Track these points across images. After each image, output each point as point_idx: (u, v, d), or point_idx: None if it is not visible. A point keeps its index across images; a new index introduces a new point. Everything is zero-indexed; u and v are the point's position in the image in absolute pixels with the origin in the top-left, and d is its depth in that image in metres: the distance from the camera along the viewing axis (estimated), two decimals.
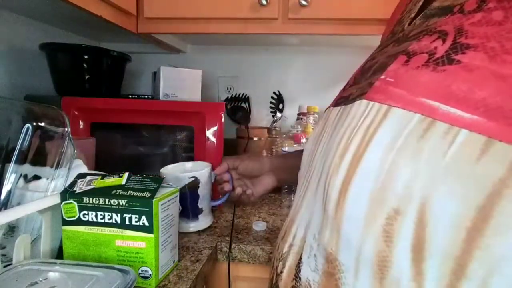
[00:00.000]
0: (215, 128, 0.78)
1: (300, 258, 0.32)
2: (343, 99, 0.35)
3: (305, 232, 0.33)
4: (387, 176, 0.23)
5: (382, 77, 0.28)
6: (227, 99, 1.20)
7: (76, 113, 0.74)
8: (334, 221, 0.28)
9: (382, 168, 0.24)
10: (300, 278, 0.32)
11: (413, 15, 0.32)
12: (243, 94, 1.22)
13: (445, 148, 0.21)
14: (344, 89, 0.38)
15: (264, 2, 0.84)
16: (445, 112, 0.22)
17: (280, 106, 1.21)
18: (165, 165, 0.68)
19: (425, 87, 0.24)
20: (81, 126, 0.76)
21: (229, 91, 1.26)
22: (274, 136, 1.06)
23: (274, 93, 1.20)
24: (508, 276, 0.19)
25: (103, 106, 0.81)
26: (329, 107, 0.39)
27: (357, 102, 0.30)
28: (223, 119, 0.78)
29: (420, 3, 0.32)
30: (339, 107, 0.34)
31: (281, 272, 0.35)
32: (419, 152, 0.22)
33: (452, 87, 0.22)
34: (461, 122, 0.21)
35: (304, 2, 0.84)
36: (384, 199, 0.24)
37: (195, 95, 1.05)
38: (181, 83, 1.01)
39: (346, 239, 0.27)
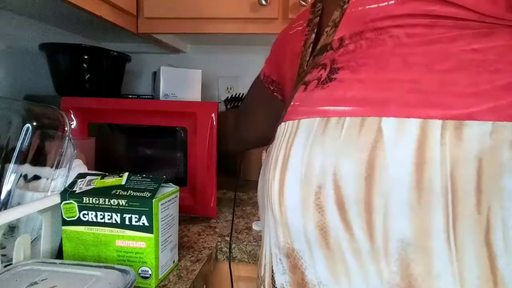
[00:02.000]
0: (207, 127, 0.73)
1: (272, 271, 0.38)
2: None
3: (270, 247, 0.39)
4: (308, 165, 0.33)
5: (292, 103, 0.39)
6: (227, 99, 1.20)
7: (76, 113, 0.74)
8: (281, 219, 0.35)
9: (303, 162, 0.33)
10: (276, 287, 0.38)
11: (307, 58, 0.44)
12: (243, 94, 1.22)
13: (338, 133, 0.31)
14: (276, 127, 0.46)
15: (264, 2, 0.84)
16: (334, 110, 0.32)
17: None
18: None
19: (318, 100, 0.35)
20: (80, 127, 0.76)
21: (229, 91, 1.26)
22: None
23: None
24: (398, 198, 0.28)
25: (102, 106, 0.81)
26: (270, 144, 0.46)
27: (278, 128, 0.40)
28: (215, 121, 0.72)
29: (310, 49, 0.44)
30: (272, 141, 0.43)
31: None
32: (323, 141, 0.32)
33: (334, 95, 0.33)
34: (344, 113, 0.32)
35: (304, 2, 0.84)
36: (309, 182, 0.32)
37: (195, 95, 1.06)
38: (181, 83, 1.02)
39: (294, 227, 0.34)
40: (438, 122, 0.28)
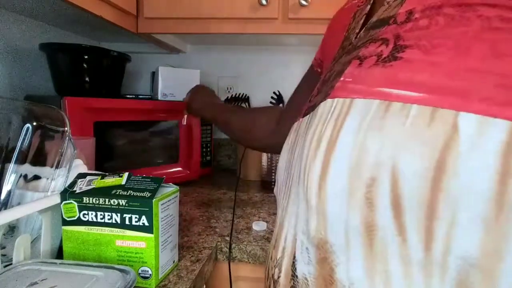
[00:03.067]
0: (192, 119, 1.01)
1: (294, 257, 0.35)
2: (310, 109, 0.38)
3: (295, 231, 0.35)
4: (360, 152, 0.28)
5: (341, 79, 0.34)
6: (227, 99, 1.20)
7: (81, 113, 0.74)
8: (318, 206, 0.31)
9: (354, 147, 0.29)
10: (296, 276, 0.34)
11: (357, 30, 0.38)
12: (243, 94, 1.22)
13: (402, 121, 0.27)
14: (309, 100, 0.41)
15: (264, 2, 0.84)
16: (398, 94, 0.28)
17: (280, 106, 1.21)
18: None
19: (379, 80, 0.30)
20: (85, 126, 0.76)
21: (229, 91, 1.26)
22: None
23: (274, 93, 1.20)
24: (471, 210, 0.24)
25: (105, 106, 0.82)
26: (298, 119, 0.41)
27: (322, 104, 0.35)
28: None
29: (362, 21, 0.38)
30: (307, 116, 0.38)
31: (278, 277, 0.37)
32: (382, 128, 0.28)
33: (399, 76, 0.29)
34: (411, 100, 0.27)
35: (304, 2, 0.84)
36: (360, 172, 0.28)
37: None
38: (179, 83, 1.02)
39: (333, 217, 0.30)
40: None
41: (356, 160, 0.28)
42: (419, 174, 0.25)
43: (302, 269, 0.34)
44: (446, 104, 0.26)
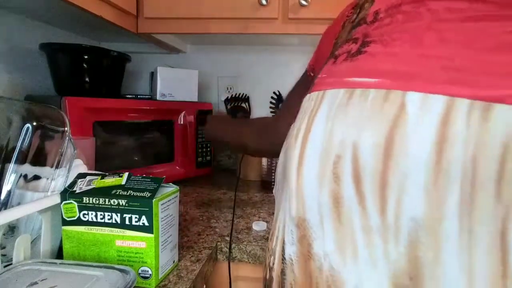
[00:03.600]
0: (187, 119, 1.02)
1: (284, 242, 0.38)
2: None
3: (284, 220, 0.38)
4: (329, 136, 0.32)
5: (319, 75, 0.39)
6: (227, 99, 1.20)
7: (80, 112, 0.74)
8: (297, 189, 0.35)
9: (325, 132, 0.33)
10: (285, 258, 0.37)
11: (344, 36, 0.43)
12: (243, 94, 1.22)
13: (362, 105, 0.31)
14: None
15: (264, 2, 0.84)
16: (360, 81, 0.32)
17: (280, 106, 1.21)
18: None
19: (346, 71, 0.34)
20: (85, 126, 0.76)
21: (229, 91, 1.26)
22: None
23: (274, 93, 1.19)
24: (415, 177, 0.27)
25: (105, 106, 0.82)
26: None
27: (304, 99, 0.39)
28: (193, 116, 1.02)
29: (349, 28, 0.42)
30: None
31: (273, 263, 0.40)
32: (346, 113, 0.32)
33: (363, 67, 0.33)
34: (369, 85, 0.31)
35: (304, 2, 0.84)
36: (329, 152, 0.32)
37: (192, 95, 1.06)
38: (178, 83, 1.02)
39: (309, 196, 0.34)
40: (466, 101, 0.26)
41: (326, 143, 0.32)
42: (373, 148, 0.29)
43: (288, 250, 0.37)
44: (397, 86, 0.29)
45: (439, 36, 0.30)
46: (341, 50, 0.38)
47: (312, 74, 0.62)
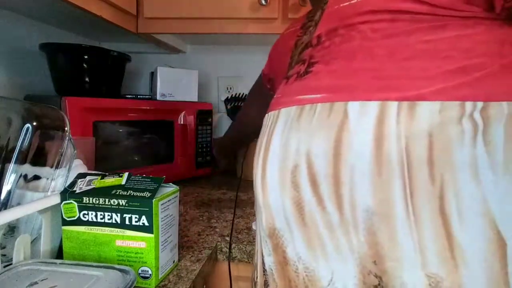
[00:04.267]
0: (187, 119, 1.03)
1: (262, 255, 0.41)
2: None
3: (260, 234, 0.41)
4: (285, 148, 0.36)
5: (276, 95, 0.43)
6: (227, 99, 1.20)
7: (80, 112, 0.74)
8: (263, 200, 0.39)
9: (281, 146, 0.37)
10: (265, 270, 0.40)
11: (296, 57, 0.46)
12: (243, 94, 1.22)
13: (311, 118, 0.35)
14: None
15: (264, 2, 0.84)
16: (308, 98, 0.36)
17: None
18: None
19: (296, 90, 0.39)
20: (85, 126, 0.76)
21: (229, 91, 1.26)
22: None
23: None
24: (361, 171, 0.31)
25: (105, 106, 0.82)
26: None
27: (264, 119, 0.44)
28: (193, 116, 1.04)
29: (300, 49, 0.46)
30: None
31: (257, 277, 0.43)
32: (299, 126, 0.36)
33: (309, 85, 0.38)
34: (316, 100, 0.35)
35: (304, 2, 0.84)
36: (286, 163, 0.36)
37: (192, 95, 1.06)
38: (177, 83, 1.03)
39: (274, 206, 0.37)
40: (395, 104, 0.31)
41: (283, 155, 0.36)
42: (325, 152, 0.33)
43: (268, 262, 0.40)
44: (339, 98, 0.34)
45: (368, 52, 0.35)
46: (292, 71, 0.42)
47: (268, 86, 0.70)
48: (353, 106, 0.32)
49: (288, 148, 0.36)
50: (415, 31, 0.34)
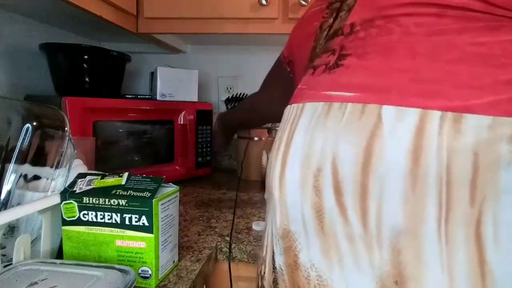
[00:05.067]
0: (187, 119, 1.03)
1: (273, 251, 0.39)
2: None
3: (271, 229, 0.39)
4: (309, 148, 0.33)
5: (299, 86, 0.40)
6: (227, 99, 1.20)
7: (80, 112, 0.74)
8: (280, 199, 0.36)
9: (304, 144, 0.34)
10: (275, 268, 0.38)
11: (321, 41, 0.43)
12: (243, 94, 1.22)
13: (340, 118, 0.32)
14: None
15: (264, 2, 0.84)
16: (337, 95, 0.33)
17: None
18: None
19: (324, 84, 0.35)
20: (85, 126, 0.76)
21: (229, 91, 1.26)
22: (274, 136, 1.06)
23: None
24: (393, 184, 0.29)
25: (105, 106, 0.82)
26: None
27: (285, 110, 0.41)
28: (192, 116, 1.04)
29: (325, 33, 0.43)
30: None
31: (264, 272, 0.41)
32: (325, 125, 0.33)
33: (340, 80, 0.34)
34: (347, 99, 0.32)
35: (304, 2, 0.84)
36: (309, 164, 0.33)
37: (192, 95, 1.06)
38: (177, 83, 1.03)
39: (292, 208, 0.35)
40: (437, 113, 0.28)
41: (306, 155, 0.34)
42: (352, 160, 0.30)
43: (278, 260, 0.38)
44: (373, 100, 0.31)
45: (408, 49, 0.31)
46: (320, 61, 0.39)
47: (288, 69, 0.64)
48: (388, 111, 0.29)
49: (312, 148, 0.33)
50: (465, 30, 0.30)
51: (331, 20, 0.43)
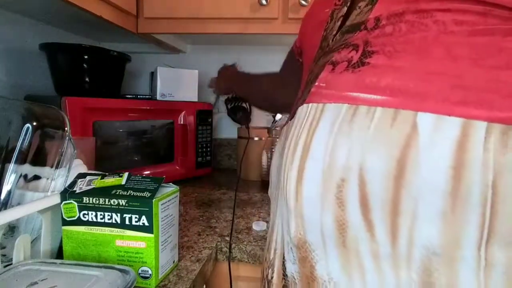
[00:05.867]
0: (187, 120, 1.03)
1: (284, 258, 0.36)
2: (294, 113, 0.40)
3: (282, 233, 0.37)
4: (331, 155, 0.30)
5: (316, 83, 0.35)
6: (227, 99, 1.20)
7: (80, 112, 0.74)
8: (296, 209, 0.33)
9: (326, 151, 0.30)
10: (287, 275, 0.36)
11: (334, 32, 0.39)
12: None
13: (368, 124, 0.28)
14: (295, 104, 0.43)
15: (264, 2, 0.84)
16: (364, 98, 0.30)
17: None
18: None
19: (348, 84, 0.32)
20: (85, 125, 0.76)
21: None
22: (274, 136, 1.06)
23: None
24: (429, 203, 0.26)
25: (105, 106, 0.82)
26: (287, 122, 0.43)
27: (299, 109, 0.37)
28: (192, 116, 1.05)
29: (339, 23, 0.38)
30: (291, 120, 0.40)
31: (272, 277, 0.39)
32: (350, 131, 0.29)
33: (366, 81, 0.30)
34: (375, 103, 0.29)
35: (304, 2, 0.84)
36: (332, 174, 0.30)
37: (192, 95, 1.06)
38: (177, 83, 1.03)
39: (309, 218, 0.32)
40: (483, 124, 0.25)
41: (328, 164, 0.30)
42: (383, 173, 0.27)
43: (290, 269, 0.35)
44: (407, 105, 0.27)
45: (447, 50, 0.28)
46: (340, 56, 0.34)
47: (300, 60, 0.61)
48: (426, 119, 0.26)
49: (336, 156, 0.30)
50: None
51: (344, 9, 0.39)
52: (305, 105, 0.36)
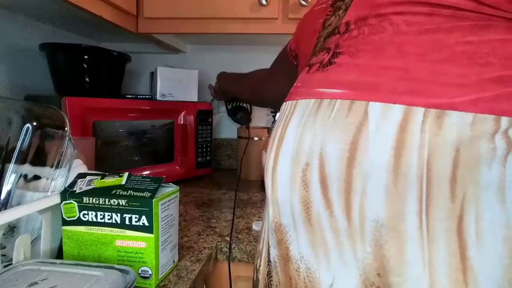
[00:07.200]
0: (186, 120, 1.04)
1: (268, 245, 0.40)
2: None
3: (268, 222, 0.40)
4: (299, 143, 0.34)
5: (295, 84, 0.41)
6: (227, 99, 1.20)
7: (80, 112, 0.74)
8: (272, 194, 0.37)
9: (295, 140, 0.35)
10: (270, 261, 0.40)
11: (322, 39, 0.43)
12: None
13: (329, 114, 0.32)
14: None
15: (264, 2, 0.84)
16: (328, 92, 0.34)
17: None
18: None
19: (318, 82, 0.36)
20: (84, 126, 0.76)
21: None
22: None
23: None
24: (376, 180, 0.29)
25: (105, 106, 0.82)
26: None
27: (282, 106, 0.42)
28: (192, 116, 1.05)
29: (327, 30, 0.43)
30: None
31: (259, 266, 0.42)
32: (315, 121, 0.33)
33: (331, 78, 0.35)
34: (336, 96, 0.33)
35: (304, 2, 0.84)
36: (298, 160, 0.34)
37: (192, 95, 1.06)
38: (177, 83, 1.03)
39: (282, 202, 0.36)
40: (421, 110, 0.28)
41: (296, 150, 0.34)
42: (338, 156, 0.31)
43: (272, 253, 0.39)
44: (361, 96, 0.31)
45: (398, 48, 0.32)
46: (316, 59, 0.39)
47: (295, 62, 0.64)
48: (375, 107, 0.30)
49: (302, 144, 0.34)
50: (455, 29, 0.30)
51: (332, 18, 0.43)
52: (284, 103, 0.41)
